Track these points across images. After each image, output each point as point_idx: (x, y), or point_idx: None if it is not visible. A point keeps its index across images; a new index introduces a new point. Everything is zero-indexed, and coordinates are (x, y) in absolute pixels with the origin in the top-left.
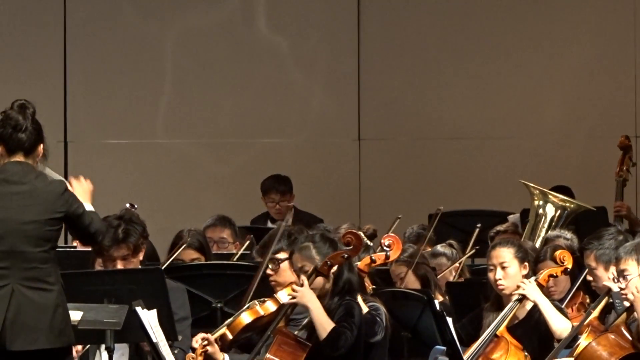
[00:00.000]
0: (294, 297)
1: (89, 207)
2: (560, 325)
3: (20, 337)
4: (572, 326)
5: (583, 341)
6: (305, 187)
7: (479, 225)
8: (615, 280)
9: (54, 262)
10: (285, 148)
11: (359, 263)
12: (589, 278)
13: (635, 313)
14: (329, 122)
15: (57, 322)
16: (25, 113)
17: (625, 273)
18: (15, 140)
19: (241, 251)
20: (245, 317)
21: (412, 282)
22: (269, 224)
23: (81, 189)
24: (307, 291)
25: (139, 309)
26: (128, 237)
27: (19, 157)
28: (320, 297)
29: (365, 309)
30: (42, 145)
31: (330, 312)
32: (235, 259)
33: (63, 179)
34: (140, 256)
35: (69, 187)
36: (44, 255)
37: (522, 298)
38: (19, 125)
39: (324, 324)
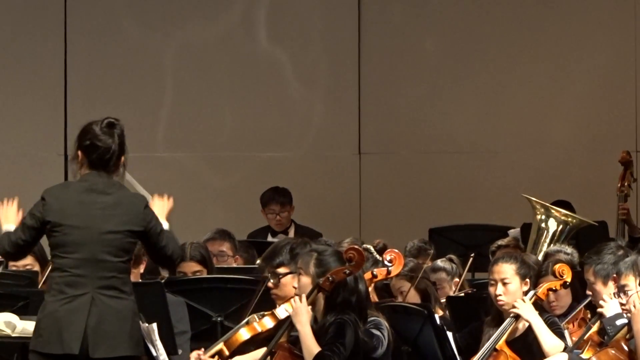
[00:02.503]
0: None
1: (165, 224)
2: (551, 344)
3: (103, 345)
4: (567, 346)
5: (584, 356)
6: (305, 201)
7: (472, 255)
8: (616, 295)
9: (129, 273)
10: (286, 161)
11: None
12: (588, 293)
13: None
14: (329, 135)
15: (135, 330)
16: (113, 131)
17: (626, 288)
18: (99, 158)
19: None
20: (244, 334)
21: (412, 297)
22: (270, 238)
23: (160, 205)
24: (301, 309)
25: None
26: None
27: (100, 171)
28: (320, 313)
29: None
30: (122, 160)
31: (324, 329)
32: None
33: (148, 195)
34: (141, 268)
35: (150, 204)
36: (122, 266)
37: (518, 316)
38: (105, 144)
39: (309, 348)
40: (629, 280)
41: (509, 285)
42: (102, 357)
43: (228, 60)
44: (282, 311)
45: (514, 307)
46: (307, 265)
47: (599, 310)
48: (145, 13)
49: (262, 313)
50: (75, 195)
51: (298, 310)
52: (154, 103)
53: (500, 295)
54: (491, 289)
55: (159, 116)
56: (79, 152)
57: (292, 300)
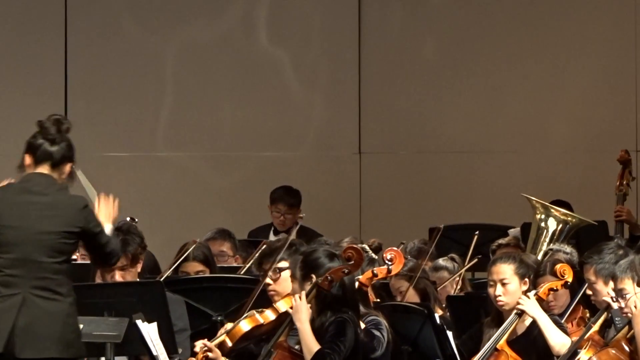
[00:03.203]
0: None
1: (108, 228)
2: (558, 340)
3: (31, 345)
4: (572, 341)
5: (583, 356)
6: (305, 200)
7: (477, 232)
8: (614, 299)
9: (67, 274)
10: (286, 161)
11: (360, 277)
12: (589, 292)
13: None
14: (329, 135)
15: (67, 332)
16: (60, 127)
17: (624, 292)
18: (44, 151)
19: (248, 264)
20: (245, 325)
21: (411, 296)
22: (272, 236)
23: (105, 209)
24: (301, 307)
25: (139, 322)
26: (126, 247)
27: (45, 169)
28: (313, 312)
29: (362, 325)
30: (70, 165)
31: (323, 328)
32: (242, 272)
33: (94, 193)
34: (139, 267)
35: (94, 204)
36: (56, 267)
37: (522, 313)
38: (50, 137)
39: (309, 346)
40: (626, 284)
41: (508, 286)
42: (28, 357)
43: (228, 60)
44: (283, 305)
45: (518, 303)
46: (294, 270)
47: (606, 299)
48: (145, 13)
49: (261, 309)
50: (12, 196)
51: (298, 308)
52: (154, 103)
53: (499, 295)
54: (490, 290)
55: (159, 116)
56: (26, 156)
57: (292, 298)
